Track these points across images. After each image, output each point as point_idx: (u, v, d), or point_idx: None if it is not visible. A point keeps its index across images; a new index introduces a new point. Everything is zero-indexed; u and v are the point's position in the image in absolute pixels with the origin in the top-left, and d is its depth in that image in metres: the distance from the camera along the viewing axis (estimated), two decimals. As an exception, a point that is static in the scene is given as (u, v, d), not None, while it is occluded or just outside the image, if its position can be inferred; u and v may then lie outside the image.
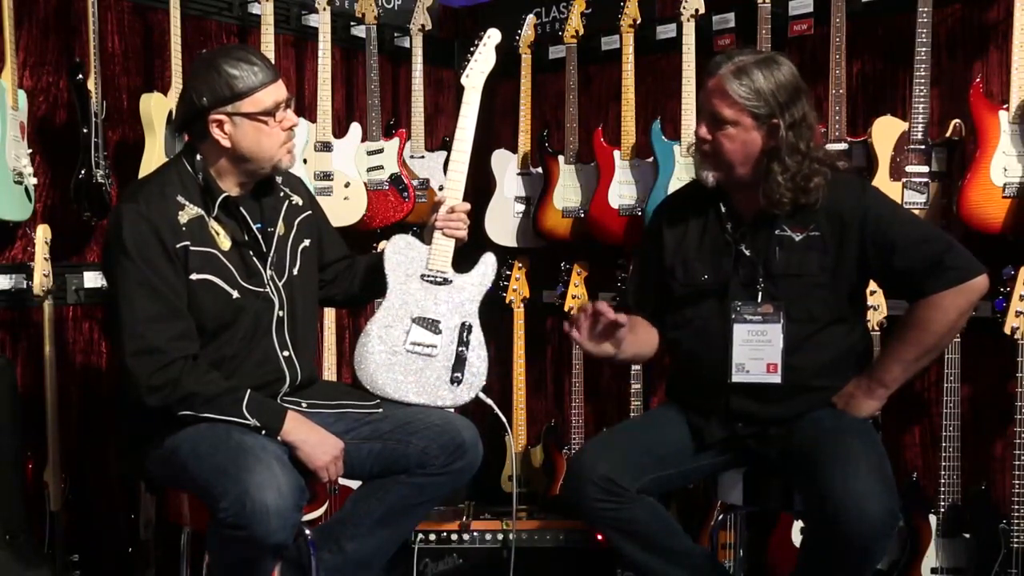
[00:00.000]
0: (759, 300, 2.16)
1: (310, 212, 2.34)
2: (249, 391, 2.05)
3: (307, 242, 2.29)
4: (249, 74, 2.06)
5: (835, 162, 2.17)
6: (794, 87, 2.09)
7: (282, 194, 2.27)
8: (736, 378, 2.16)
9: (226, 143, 2.08)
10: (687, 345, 2.27)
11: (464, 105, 2.40)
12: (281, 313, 2.19)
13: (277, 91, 2.10)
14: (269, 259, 2.18)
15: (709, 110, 2.12)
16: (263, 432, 2.03)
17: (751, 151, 2.11)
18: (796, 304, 2.15)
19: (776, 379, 2.15)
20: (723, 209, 2.22)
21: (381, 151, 3.30)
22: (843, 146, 2.71)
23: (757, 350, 2.15)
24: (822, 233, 2.13)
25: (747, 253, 2.18)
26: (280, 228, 2.23)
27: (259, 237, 2.16)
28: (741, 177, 2.14)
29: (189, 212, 2.07)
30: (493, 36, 2.44)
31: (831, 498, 1.92)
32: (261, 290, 2.16)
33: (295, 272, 2.24)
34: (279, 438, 2.04)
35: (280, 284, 2.20)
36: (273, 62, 2.99)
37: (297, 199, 2.31)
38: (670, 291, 2.28)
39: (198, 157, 2.12)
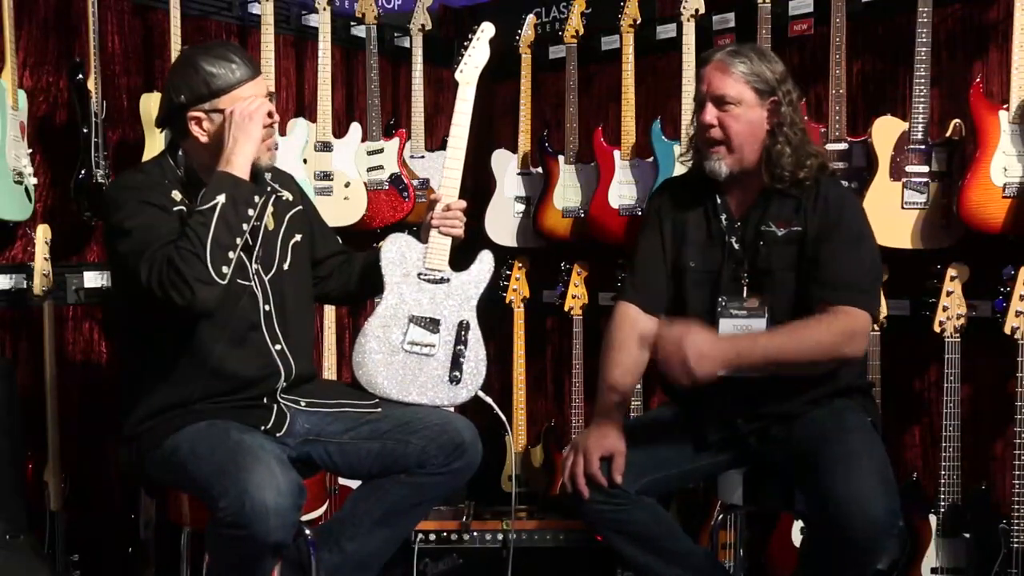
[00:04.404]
0: (744, 295, 2.18)
1: (301, 207, 2.33)
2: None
3: (298, 237, 2.29)
4: (227, 72, 2.06)
5: (825, 153, 2.29)
6: (784, 70, 2.20)
7: (269, 189, 2.26)
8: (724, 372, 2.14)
9: (205, 140, 2.09)
10: None
11: (459, 101, 2.38)
12: (267, 307, 2.18)
13: (256, 88, 2.10)
14: (255, 253, 2.17)
15: (712, 93, 2.16)
16: (238, 192, 2.00)
17: (757, 131, 2.16)
18: (781, 299, 2.16)
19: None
20: (719, 200, 2.24)
21: (381, 151, 3.31)
22: (843, 146, 2.71)
23: None
24: (805, 228, 2.15)
25: (736, 247, 2.20)
26: (268, 222, 2.22)
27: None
28: (750, 163, 2.17)
29: (174, 205, 2.08)
30: (487, 30, 2.42)
31: (832, 498, 1.92)
32: (246, 283, 2.15)
33: (285, 267, 2.24)
34: (228, 170, 2.01)
35: (267, 278, 2.19)
36: (272, 62, 3.03)
37: (286, 194, 2.31)
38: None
39: (180, 153, 2.14)
